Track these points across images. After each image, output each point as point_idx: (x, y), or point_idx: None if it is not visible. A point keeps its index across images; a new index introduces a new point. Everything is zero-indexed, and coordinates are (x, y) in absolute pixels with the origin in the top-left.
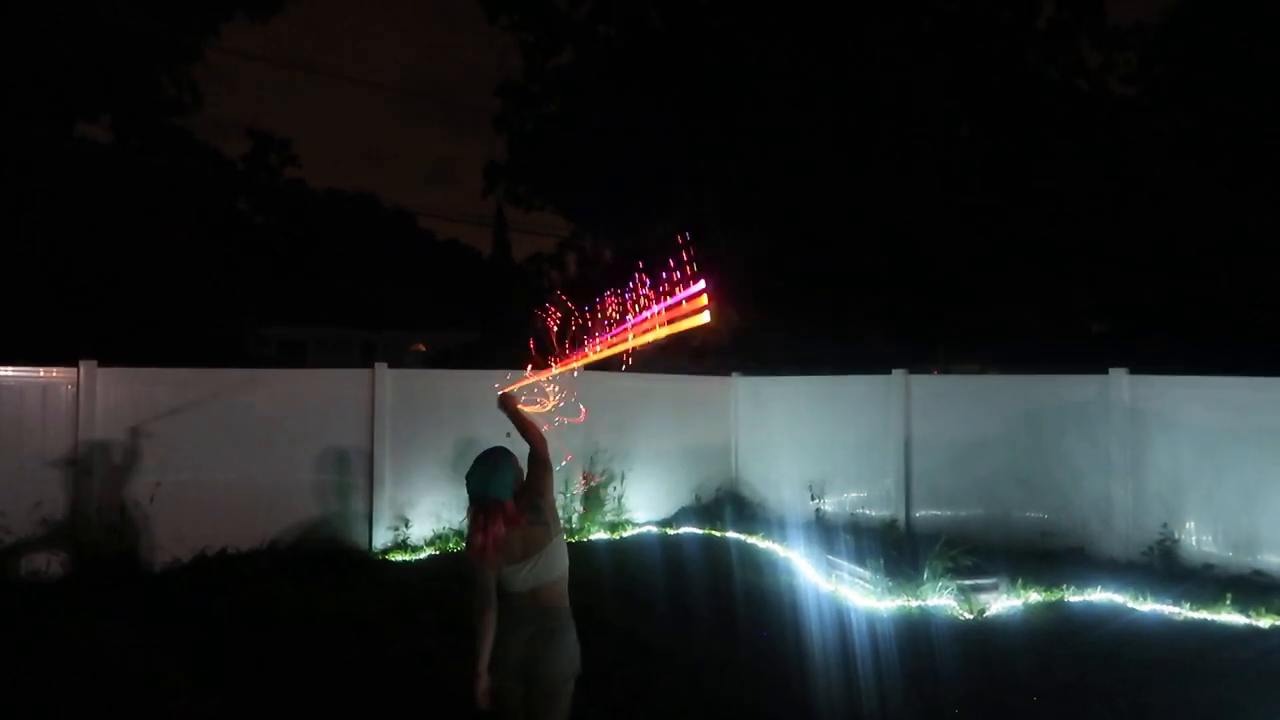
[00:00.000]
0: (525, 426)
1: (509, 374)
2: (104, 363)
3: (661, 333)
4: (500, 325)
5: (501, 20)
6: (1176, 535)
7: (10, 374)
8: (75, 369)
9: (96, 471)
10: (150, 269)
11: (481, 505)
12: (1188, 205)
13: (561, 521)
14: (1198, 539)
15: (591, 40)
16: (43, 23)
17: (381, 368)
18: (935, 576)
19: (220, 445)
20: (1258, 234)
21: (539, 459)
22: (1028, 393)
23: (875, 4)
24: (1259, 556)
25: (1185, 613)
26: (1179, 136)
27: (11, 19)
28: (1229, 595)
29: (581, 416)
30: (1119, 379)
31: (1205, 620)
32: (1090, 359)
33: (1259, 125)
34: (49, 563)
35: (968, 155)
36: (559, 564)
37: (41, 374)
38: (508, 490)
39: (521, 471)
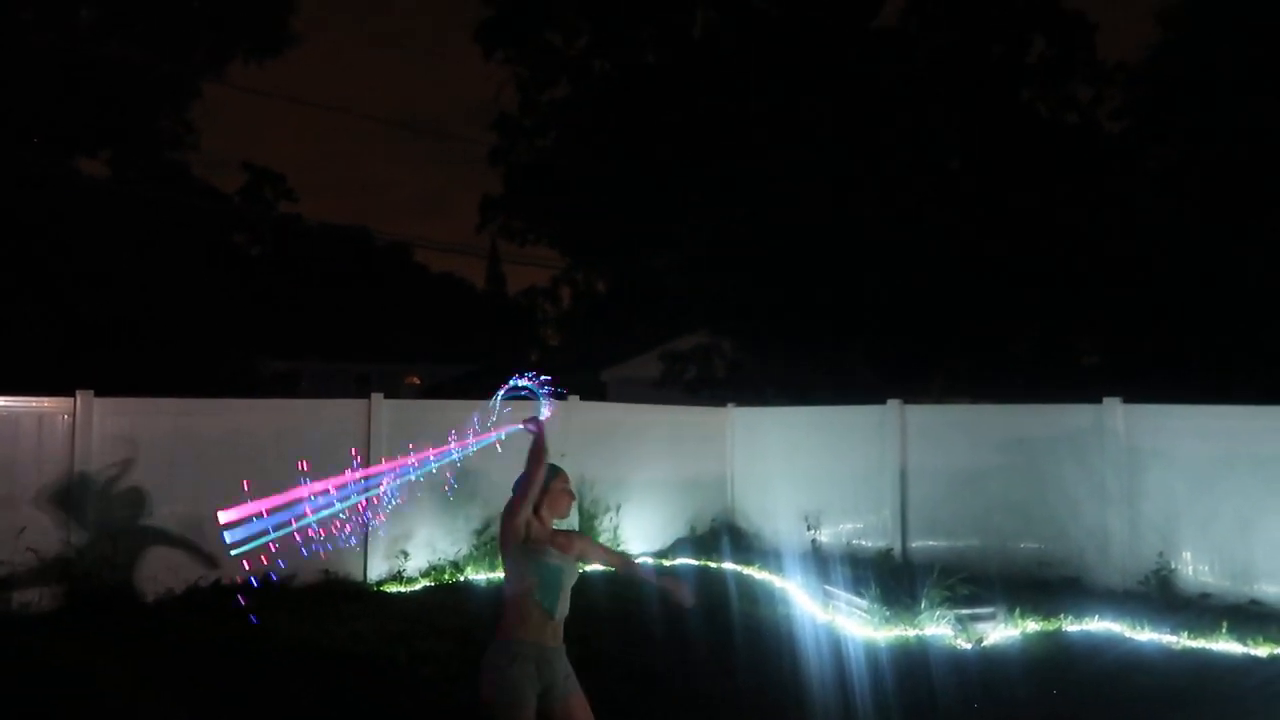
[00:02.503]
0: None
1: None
2: (100, 393)
3: None
4: (495, 358)
5: (498, 55)
6: (1173, 564)
7: (6, 404)
8: (72, 399)
9: (91, 502)
10: (146, 301)
11: None
12: (1177, 239)
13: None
14: (1194, 568)
15: (587, 76)
16: (44, 57)
17: (378, 398)
18: (933, 606)
19: (215, 475)
20: (1246, 266)
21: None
22: (1023, 422)
23: (868, 42)
24: (1255, 586)
25: (1183, 642)
26: (1166, 172)
27: (13, 53)
28: (1226, 624)
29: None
30: (1113, 408)
31: (1203, 649)
32: (1084, 391)
33: (1243, 161)
34: (41, 594)
35: (960, 190)
36: (506, 581)
37: (36, 404)
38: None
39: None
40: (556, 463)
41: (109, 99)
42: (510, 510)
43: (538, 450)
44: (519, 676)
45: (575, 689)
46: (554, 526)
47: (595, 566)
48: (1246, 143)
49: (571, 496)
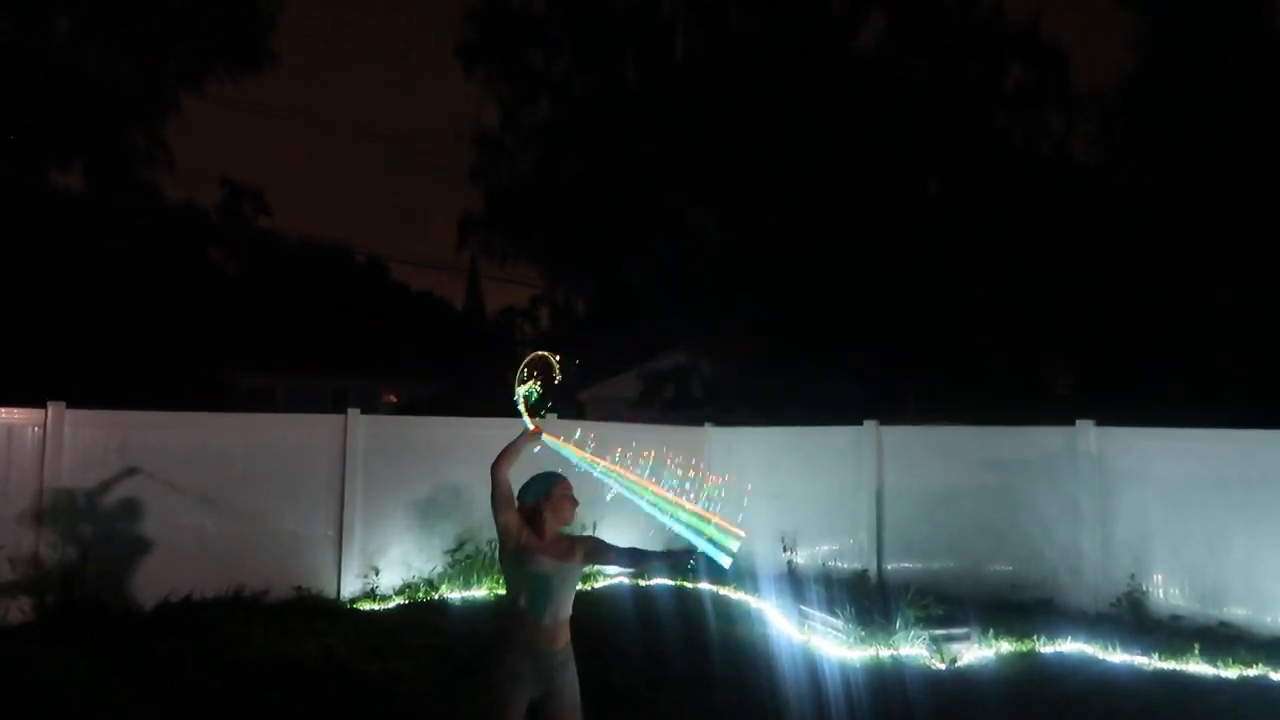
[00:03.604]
0: (505, 454)
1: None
2: (72, 404)
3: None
4: (472, 376)
5: (479, 74)
6: (1145, 587)
7: None
8: (43, 410)
9: (61, 515)
10: (121, 314)
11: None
12: (1151, 265)
13: (510, 556)
14: (1165, 591)
15: (568, 95)
16: (18, 66)
17: (354, 413)
18: (907, 626)
19: (189, 489)
20: (1215, 291)
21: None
22: (997, 443)
23: (846, 62)
24: (1225, 608)
25: (1155, 663)
26: (1139, 199)
27: None
28: (1197, 646)
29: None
30: (1086, 430)
31: (1175, 671)
32: (1057, 412)
33: (1215, 189)
34: (9, 608)
35: (936, 212)
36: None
37: (6, 415)
38: (529, 496)
39: (552, 500)
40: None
41: (83, 110)
42: (494, 518)
43: (511, 446)
44: (504, 677)
45: (572, 703)
46: (562, 531)
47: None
48: (1215, 169)
49: (574, 502)
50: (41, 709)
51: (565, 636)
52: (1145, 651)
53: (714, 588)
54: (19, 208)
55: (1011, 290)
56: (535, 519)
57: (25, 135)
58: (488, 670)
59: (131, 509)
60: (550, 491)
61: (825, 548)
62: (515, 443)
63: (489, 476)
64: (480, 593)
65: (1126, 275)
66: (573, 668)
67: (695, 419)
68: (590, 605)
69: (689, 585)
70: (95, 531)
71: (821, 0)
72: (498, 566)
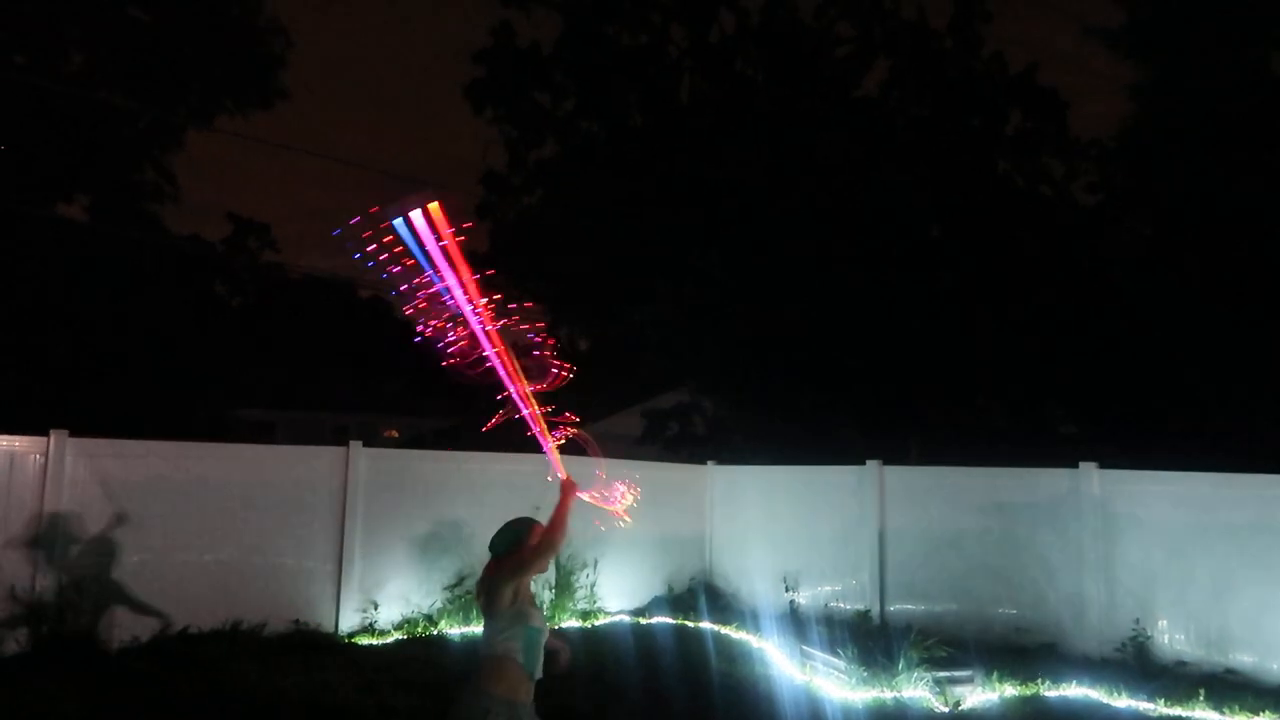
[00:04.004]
0: (556, 520)
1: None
2: (75, 433)
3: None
4: (476, 412)
5: (486, 114)
6: (1149, 632)
7: None
8: (45, 438)
9: (60, 544)
10: (121, 347)
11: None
12: (1152, 309)
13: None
14: (1170, 636)
15: (574, 135)
16: (28, 99)
17: (356, 446)
18: (910, 667)
19: (188, 520)
20: (1217, 335)
21: (527, 549)
22: (1001, 486)
23: (849, 111)
24: (1231, 655)
25: (1160, 709)
26: (1140, 246)
27: None
28: (1202, 692)
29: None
30: (1089, 474)
31: (1180, 717)
32: (1060, 455)
33: (1216, 236)
34: (4, 638)
35: (939, 256)
36: (487, 640)
37: (8, 443)
38: (501, 548)
39: (531, 541)
40: (531, 516)
41: (92, 143)
42: (513, 572)
43: (562, 518)
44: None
45: None
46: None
47: (570, 623)
48: (1216, 215)
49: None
50: None
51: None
52: (1150, 697)
53: (716, 627)
54: (25, 238)
55: (1014, 333)
56: None
57: (34, 166)
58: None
59: (130, 539)
60: (527, 540)
61: (827, 588)
62: (563, 507)
63: (550, 545)
64: (480, 629)
65: (1128, 319)
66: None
67: (698, 457)
68: (590, 643)
69: (690, 624)
70: (93, 561)
71: (825, 46)
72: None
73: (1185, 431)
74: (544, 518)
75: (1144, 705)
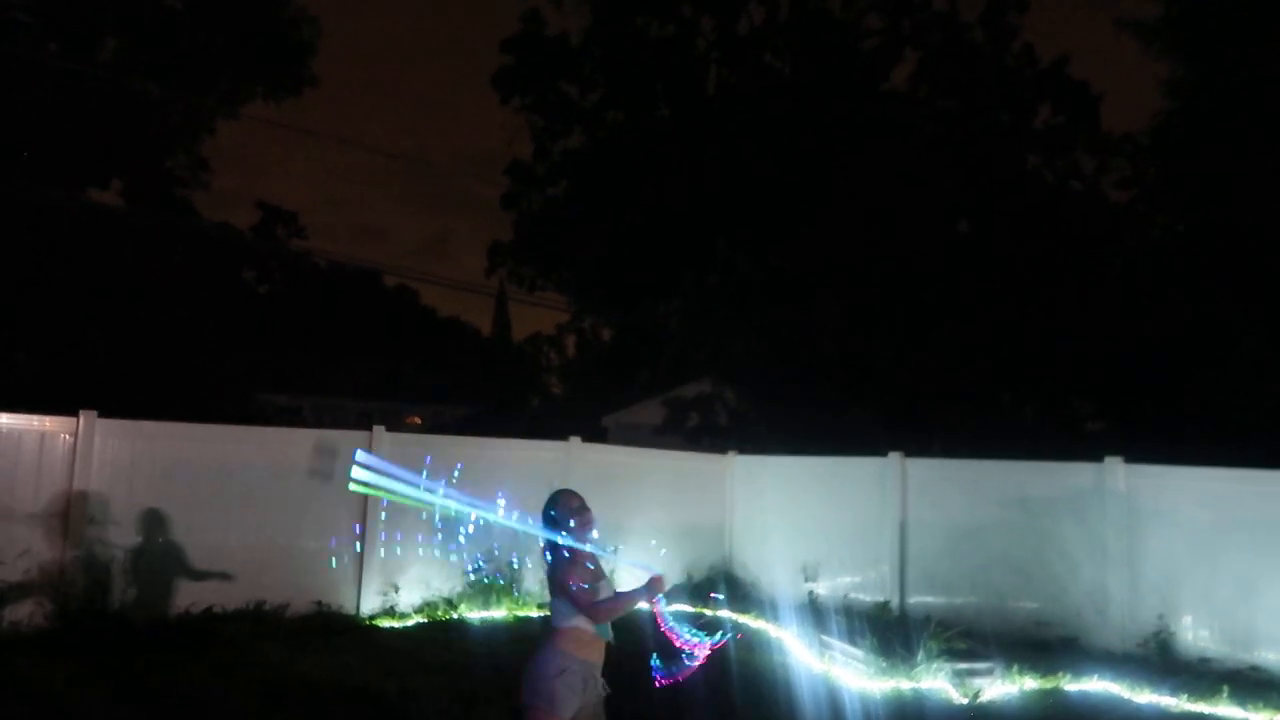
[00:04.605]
0: (614, 604)
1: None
2: (104, 414)
3: None
4: (497, 401)
5: (513, 103)
6: (1173, 628)
7: (9, 422)
8: (75, 419)
9: (88, 523)
10: (153, 331)
11: None
12: (1181, 309)
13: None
14: (1194, 633)
15: (600, 126)
16: (63, 87)
17: (379, 430)
18: (929, 659)
19: (213, 502)
20: (1247, 334)
21: (579, 595)
22: (1024, 479)
23: (879, 102)
24: (1256, 652)
25: (1183, 705)
26: (1172, 242)
27: (31, 85)
28: (1226, 689)
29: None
30: (1114, 468)
31: (1203, 714)
32: (1086, 452)
33: (1248, 234)
34: (32, 614)
35: (967, 251)
36: (556, 613)
37: (39, 423)
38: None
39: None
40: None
41: (125, 132)
42: (561, 592)
43: (619, 606)
44: (562, 689)
45: (602, 713)
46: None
47: None
48: (1250, 214)
49: (580, 514)
50: (55, 715)
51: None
52: (1173, 692)
53: (734, 615)
54: (58, 224)
55: (1041, 329)
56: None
57: (68, 153)
58: (545, 679)
59: (156, 519)
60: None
61: (847, 579)
62: (630, 599)
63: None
64: (499, 614)
65: (1158, 316)
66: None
67: (719, 448)
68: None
69: (708, 613)
70: (120, 540)
71: (853, 38)
72: (518, 589)
73: (1213, 429)
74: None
75: (1166, 700)
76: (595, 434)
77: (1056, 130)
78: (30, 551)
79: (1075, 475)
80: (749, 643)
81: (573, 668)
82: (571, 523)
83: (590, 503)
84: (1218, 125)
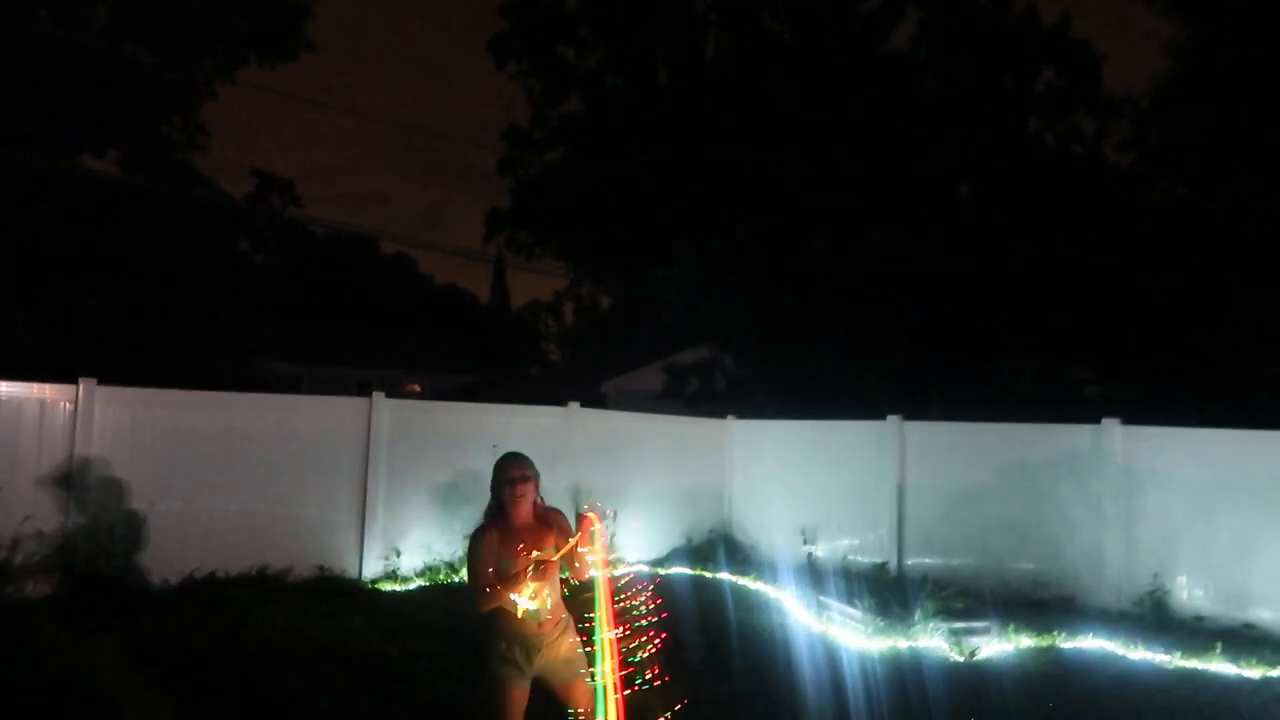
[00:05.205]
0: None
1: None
2: (103, 382)
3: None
4: (496, 368)
5: (510, 68)
6: (1168, 587)
7: (9, 390)
8: (74, 386)
9: (90, 490)
10: (150, 299)
11: None
12: (1181, 273)
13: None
14: (1189, 591)
15: (598, 91)
16: (57, 55)
17: (379, 397)
18: (926, 618)
19: (215, 468)
20: (1252, 301)
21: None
22: (1022, 442)
23: (877, 66)
24: (1250, 610)
25: (1176, 661)
26: (1172, 206)
27: (27, 49)
28: (1220, 646)
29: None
30: (1112, 429)
31: (1197, 670)
32: (1084, 419)
33: (1249, 197)
34: (37, 581)
35: (966, 215)
36: None
37: (39, 390)
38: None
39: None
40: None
41: (120, 99)
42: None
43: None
44: (497, 665)
45: (578, 674)
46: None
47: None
48: (1251, 177)
49: (510, 485)
50: (62, 679)
51: (554, 620)
52: (1167, 650)
53: (734, 578)
54: (55, 192)
55: (1040, 293)
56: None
57: (63, 120)
58: (484, 660)
59: (158, 486)
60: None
61: (845, 542)
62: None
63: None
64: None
65: (1157, 280)
66: (570, 645)
67: (718, 413)
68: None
69: (709, 575)
70: (123, 507)
71: (853, 1)
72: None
73: (1211, 393)
74: (562, 468)
75: (1160, 657)
76: (595, 400)
77: (1058, 93)
78: (34, 519)
79: (1073, 437)
80: (749, 603)
81: (505, 643)
82: (504, 492)
83: (590, 466)
84: (1218, 85)
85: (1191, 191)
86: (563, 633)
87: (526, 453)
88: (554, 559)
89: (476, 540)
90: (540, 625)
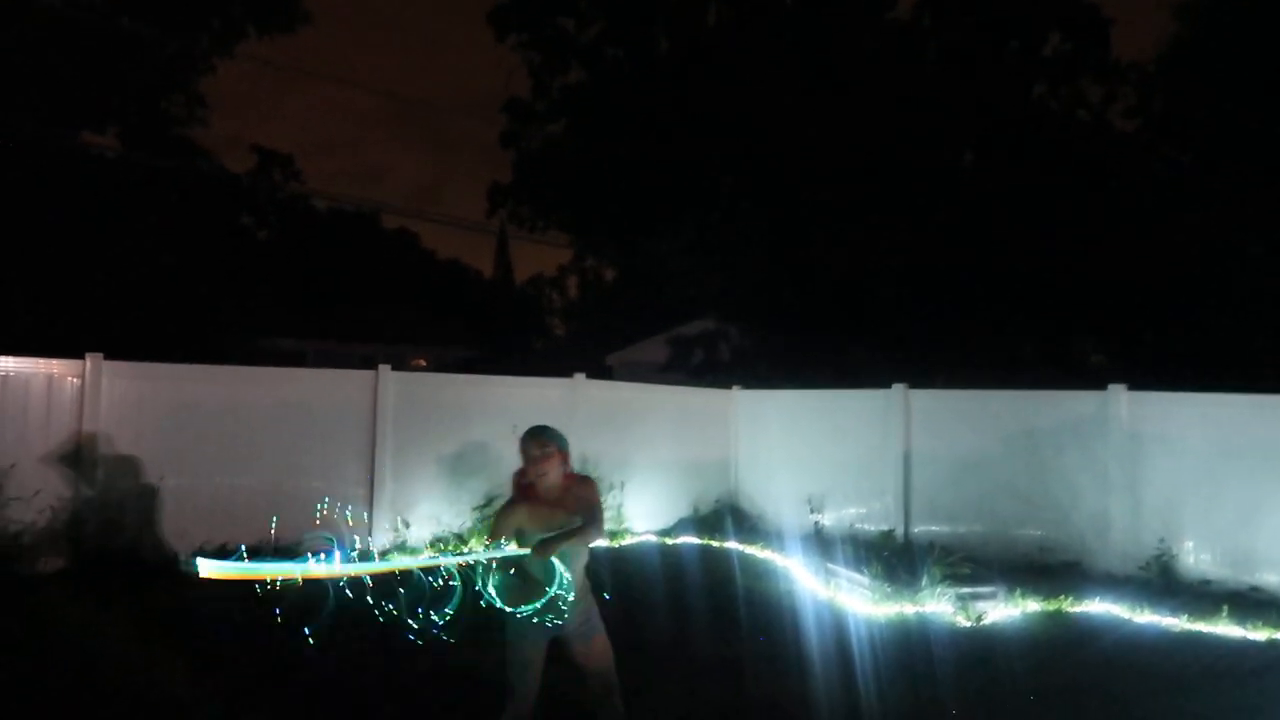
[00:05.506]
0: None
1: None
2: (109, 357)
3: None
4: (501, 343)
5: (510, 40)
6: (1174, 551)
7: (16, 365)
8: (82, 362)
9: (99, 465)
10: (153, 276)
11: None
12: (1186, 242)
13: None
14: (1195, 556)
15: (599, 62)
16: (53, 28)
17: (385, 370)
18: (933, 583)
19: (222, 441)
20: (1255, 268)
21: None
22: (1027, 409)
23: (882, 32)
24: (1257, 574)
25: (1183, 624)
26: (1178, 173)
27: (22, 21)
28: (1226, 608)
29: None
30: (1118, 395)
31: (1203, 632)
32: (1090, 385)
33: (1257, 165)
34: (49, 555)
35: (971, 184)
36: None
37: (45, 366)
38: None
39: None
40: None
41: (119, 73)
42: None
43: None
44: (516, 623)
45: (596, 631)
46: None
47: (597, 543)
48: (1261, 142)
49: (531, 463)
50: (76, 652)
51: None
52: (1173, 613)
53: (741, 547)
54: (56, 166)
55: (1044, 263)
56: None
57: (62, 95)
58: (506, 622)
59: (166, 460)
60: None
61: (852, 510)
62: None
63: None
64: (510, 548)
65: (1162, 249)
66: (586, 606)
67: (723, 384)
68: (617, 562)
69: (716, 544)
70: (131, 481)
71: None
72: None
73: (1215, 361)
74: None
75: (1166, 620)
76: (600, 372)
77: (1065, 58)
78: (44, 495)
79: (1079, 403)
80: (756, 571)
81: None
82: (527, 470)
83: (597, 438)
84: (1228, 51)
85: (1197, 158)
86: (580, 597)
87: (532, 424)
88: (551, 536)
89: (502, 511)
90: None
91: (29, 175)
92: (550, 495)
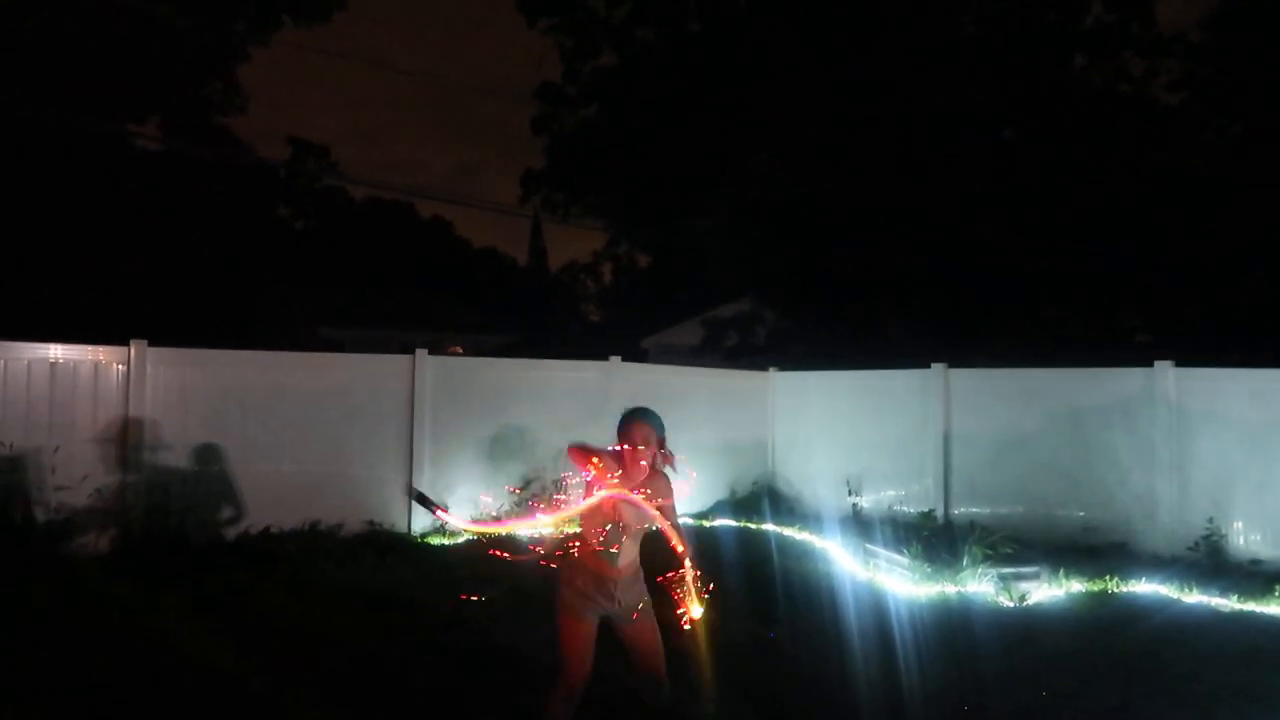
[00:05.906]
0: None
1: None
2: (154, 343)
3: None
4: (536, 329)
5: (540, 24)
6: (1223, 530)
7: (64, 353)
8: (126, 348)
9: (145, 449)
10: (194, 266)
11: None
12: (1235, 216)
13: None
14: (1245, 535)
15: (630, 44)
16: (93, 23)
17: (422, 354)
18: (975, 564)
19: (265, 426)
20: None
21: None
22: (1071, 387)
23: (917, 7)
24: None
25: (1233, 604)
26: (1226, 145)
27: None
28: (1278, 589)
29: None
30: (1164, 371)
31: (1255, 612)
32: (1133, 364)
33: None
34: (97, 538)
35: (1010, 160)
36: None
37: (92, 353)
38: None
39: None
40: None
41: (158, 61)
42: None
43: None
44: (570, 596)
45: (645, 613)
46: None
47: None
48: None
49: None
50: (124, 632)
51: (628, 566)
52: (1223, 593)
53: (779, 529)
54: (100, 160)
55: (1087, 238)
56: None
57: (100, 87)
58: (558, 589)
59: (211, 444)
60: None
61: (890, 492)
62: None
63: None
64: (546, 532)
65: (1210, 224)
66: (638, 592)
67: (758, 365)
68: (656, 544)
69: (753, 526)
70: (177, 465)
71: None
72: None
73: (1265, 338)
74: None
75: (1216, 601)
76: (635, 356)
77: (1107, 29)
78: (92, 478)
79: (1124, 381)
80: (794, 553)
81: (577, 577)
82: (622, 452)
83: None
84: (1275, 19)
85: (1246, 130)
86: (633, 579)
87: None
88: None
89: (595, 495)
90: (616, 569)
91: (74, 167)
92: (637, 478)
